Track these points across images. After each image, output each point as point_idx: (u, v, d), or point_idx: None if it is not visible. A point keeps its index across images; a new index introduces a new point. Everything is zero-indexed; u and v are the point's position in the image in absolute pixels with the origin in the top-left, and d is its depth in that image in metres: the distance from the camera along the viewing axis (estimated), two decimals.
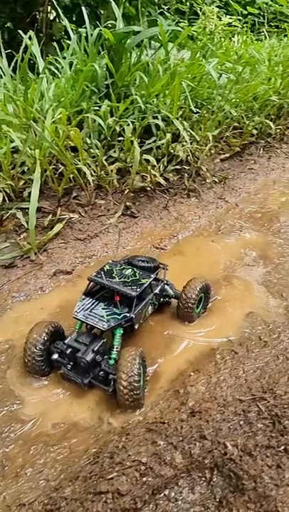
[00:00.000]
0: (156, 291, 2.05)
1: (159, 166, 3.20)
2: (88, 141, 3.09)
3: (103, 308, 1.83)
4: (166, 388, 1.73)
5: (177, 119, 3.29)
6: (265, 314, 2.23)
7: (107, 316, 1.79)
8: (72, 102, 3.25)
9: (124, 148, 3.16)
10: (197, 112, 3.68)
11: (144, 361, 1.73)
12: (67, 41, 4.04)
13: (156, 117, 3.27)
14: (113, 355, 1.75)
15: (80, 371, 1.71)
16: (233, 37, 6.73)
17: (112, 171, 3.06)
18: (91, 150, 3.07)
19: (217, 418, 1.50)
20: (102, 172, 3.06)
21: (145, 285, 1.89)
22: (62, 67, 3.71)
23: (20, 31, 3.52)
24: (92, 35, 3.46)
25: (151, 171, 3.11)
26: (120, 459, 1.34)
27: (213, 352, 1.92)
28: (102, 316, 1.78)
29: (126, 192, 3.08)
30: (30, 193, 2.77)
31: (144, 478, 1.29)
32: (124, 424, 1.56)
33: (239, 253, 2.84)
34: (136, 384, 1.58)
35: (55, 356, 1.77)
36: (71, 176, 2.88)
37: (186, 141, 3.26)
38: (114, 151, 3.23)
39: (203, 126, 3.62)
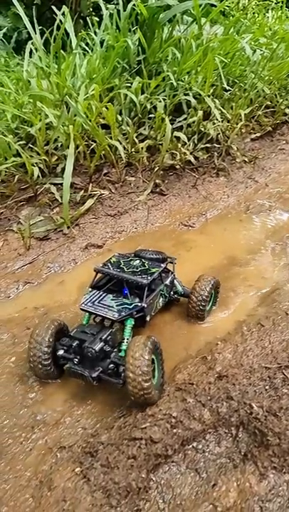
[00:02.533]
0: (167, 282, 1.95)
1: (189, 144, 3.21)
2: (119, 118, 3.13)
3: (112, 299, 1.73)
4: (194, 355, 1.81)
5: (209, 96, 3.27)
6: None
7: (117, 306, 1.68)
8: (103, 78, 3.28)
9: (155, 125, 3.18)
10: (229, 90, 3.63)
11: (157, 350, 1.57)
12: (95, 18, 4.04)
13: (187, 94, 3.26)
14: (123, 347, 1.63)
15: (88, 365, 1.57)
16: (267, 12, 6.49)
17: (142, 148, 3.10)
18: (122, 127, 3.11)
19: (243, 382, 1.58)
20: (133, 149, 3.10)
21: (156, 274, 1.80)
22: (94, 44, 3.73)
23: (53, 7, 3.55)
24: (124, 10, 3.44)
25: (182, 148, 3.13)
26: (152, 412, 1.45)
27: (240, 324, 1.99)
28: (112, 307, 1.67)
29: (155, 170, 3.12)
30: (63, 169, 2.87)
31: (175, 430, 1.39)
32: None
33: (267, 232, 2.85)
34: (146, 375, 1.42)
35: (61, 352, 1.63)
36: (102, 152, 2.95)
37: (217, 119, 3.24)
38: (145, 129, 3.26)
39: (235, 104, 3.58)
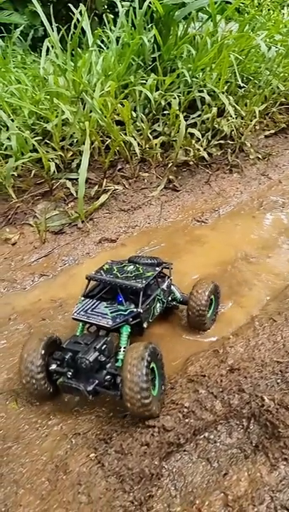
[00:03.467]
0: (164, 286, 1.84)
1: (203, 141, 3.22)
2: (134, 114, 3.15)
3: (106, 307, 1.63)
4: (206, 348, 1.83)
5: (223, 93, 3.27)
6: None
7: (112, 313, 1.59)
8: (118, 75, 3.31)
9: (169, 122, 3.20)
10: (243, 87, 3.63)
11: (157, 356, 1.47)
12: (110, 15, 4.06)
13: (201, 91, 3.27)
14: (120, 356, 1.54)
15: (83, 377, 1.46)
16: (283, 9, 6.42)
17: (156, 144, 3.13)
18: (136, 123, 3.14)
19: (255, 375, 1.60)
20: (147, 146, 3.13)
21: (151, 277, 1.72)
22: (110, 41, 3.76)
23: (70, 5, 3.59)
24: (140, 7, 3.46)
25: (195, 145, 3.14)
26: (164, 402, 1.48)
27: (252, 319, 2.00)
28: (106, 314, 1.58)
29: (169, 166, 3.14)
30: (78, 165, 2.91)
31: (187, 420, 1.42)
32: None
33: (280, 229, 2.84)
34: (145, 392, 1.31)
35: (53, 366, 1.52)
36: (117, 148, 2.98)
37: (231, 116, 3.24)
38: (159, 125, 3.28)
39: (249, 101, 3.57)
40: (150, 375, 1.36)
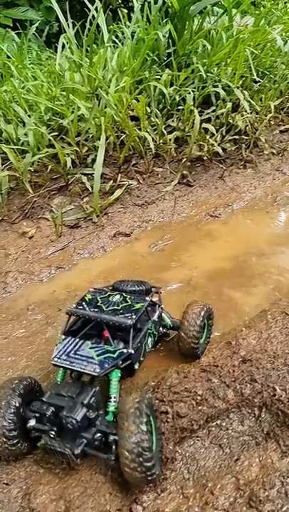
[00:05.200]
0: (155, 317, 1.63)
1: (217, 136, 3.23)
2: (148, 110, 3.18)
3: (91, 348, 1.40)
4: (219, 340, 1.87)
5: (238, 88, 3.27)
6: None
7: (98, 356, 1.36)
8: (133, 71, 3.34)
9: (183, 117, 3.21)
10: (258, 82, 3.61)
11: (153, 408, 1.29)
12: (124, 10, 4.08)
13: (216, 86, 3.27)
14: (111, 408, 1.33)
15: (68, 437, 1.26)
16: None
17: (170, 139, 3.15)
18: (151, 119, 3.17)
19: (267, 366, 1.63)
20: (161, 141, 3.16)
21: (141, 310, 1.50)
22: (124, 37, 3.79)
23: (86, 1, 3.62)
24: (156, 2, 3.48)
25: (209, 140, 3.16)
26: (178, 390, 1.53)
27: (265, 312, 2.02)
28: (92, 358, 1.35)
29: (183, 161, 3.16)
30: (93, 160, 2.96)
31: (200, 407, 1.46)
32: (178, 365, 1.72)
33: None
34: (147, 453, 1.14)
35: (32, 423, 1.30)
36: (131, 144, 3.01)
37: (245, 111, 3.24)
38: (173, 121, 3.30)
39: (264, 96, 3.56)
40: (150, 436, 1.18)
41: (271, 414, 1.45)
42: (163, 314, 1.74)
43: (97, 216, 2.81)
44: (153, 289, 1.78)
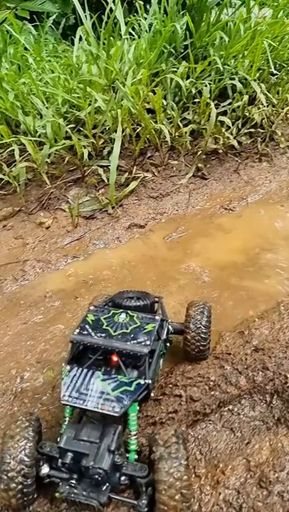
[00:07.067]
0: (164, 336, 1.52)
1: (233, 129, 3.23)
2: (164, 102, 3.20)
3: (103, 379, 1.26)
4: (232, 329, 1.91)
5: (255, 80, 3.25)
6: None
7: (114, 390, 1.22)
8: (150, 63, 3.35)
9: (199, 110, 3.22)
10: (276, 74, 3.58)
11: (185, 443, 1.16)
12: (140, 1, 4.07)
13: (233, 79, 3.27)
14: (132, 446, 1.23)
15: (88, 483, 1.13)
16: None
17: (185, 132, 3.17)
18: (167, 111, 3.19)
19: (279, 355, 1.66)
20: (176, 133, 3.18)
21: (153, 333, 1.38)
22: (141, 29, 3.79)
23: None
24: None
25: (225, 133, 3.16)
26: (192, 376, 1.58)
27: (278, 304, 2.05)
28: (107, 393, 1.22)
29: (198, 154, 3.17)
30: (109, 152, 3.01)
31: (213, 392, 1.51)
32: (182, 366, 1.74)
33: None
34: (186, 484, 1.07)
35: (46, 470, 1.16)
36: (147, 136, 3.04)
37: (262, 104, 3.23)
38: (189, 113, 3.31)
39: (282, 88, 3.53)
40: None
41: (282, 401, 1.49)
42: (169, 326, 1.61)
43: (113, 208, 2.85)
44: (156, 298, 1.68)
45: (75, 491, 1.12)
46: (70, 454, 1.14)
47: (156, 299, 1.69)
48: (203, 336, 1.58)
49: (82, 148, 2.86)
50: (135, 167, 3.06)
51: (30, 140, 2.76)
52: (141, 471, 1.15)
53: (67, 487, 1.12)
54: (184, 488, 1.05)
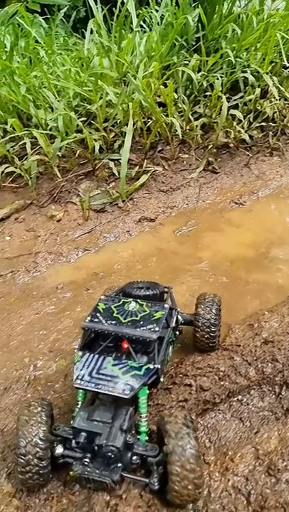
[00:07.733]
0: (173, 324, 1.56)
1: (244, 123, 3.21)
2: (175, 95, 3.19)
3: (114, 365, 1.31)
4: (241, 322, 1.92)
5: (267, 73, 3.23)
6: None
7: (124, 374, 1.28)
8: (161, 56, 3.34)
9: (210, 103, 3.21)
10: (288, 67, 3.55)
11: (194, 430, 1.22)
12: None
13: (245, 72, 3.24)
14: (142, 428, 1.29)
15: (102, 462, 1.18)
16: None
17: (196, 126, 3.16)
18: (178, 105, 3.18)
19: None
20: (187, 127, 3.17)
21: (162, 320, 1.42)
22: (152, 22, 3.77)
23: None
24: None
25: (236, 127, 3.15)
26: (201, 366, 1.60)
27: (288, 297, 2.06)
28: (117, 377, 1.27)
29: (209, 148, 3.17)
30: (120, 146, 3.02)
31: (222, 382, 1.53)
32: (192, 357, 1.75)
33: None
34: (196, 460, 1.12)
35: (60, 450, 1.22)
36: (158, 130, 3.04)
37: (274, 98, 3.21)
38: (200, 107, 3.30)
39: None
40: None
41: None
42: (178, 316, 1.66)
43: (123, 201, 2.87)
44: (166, 289, 1.72)
45: (89, 469, 1.17)
46: (83, 434, 1.19)
47: (166, 289, 1.72)
48: (213, 327, 1.61)
49: (93, 141, 2.88)
50: (146, 161, 3.07)
51: (42, 133, 2.79)
52: (152, 451, 1.21)
53: (81, 466, 1.18)
54: (196, 479, 1.12)
